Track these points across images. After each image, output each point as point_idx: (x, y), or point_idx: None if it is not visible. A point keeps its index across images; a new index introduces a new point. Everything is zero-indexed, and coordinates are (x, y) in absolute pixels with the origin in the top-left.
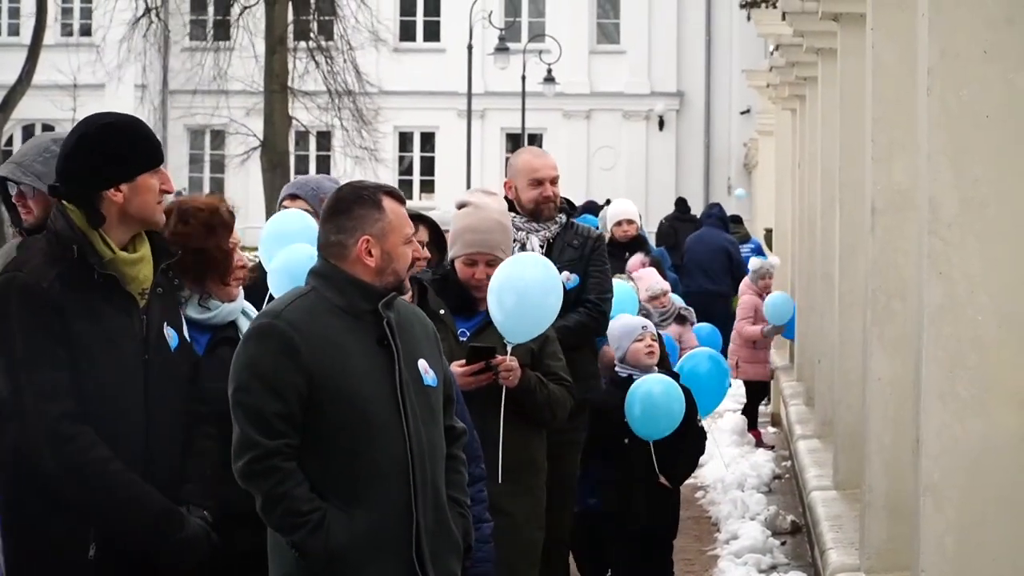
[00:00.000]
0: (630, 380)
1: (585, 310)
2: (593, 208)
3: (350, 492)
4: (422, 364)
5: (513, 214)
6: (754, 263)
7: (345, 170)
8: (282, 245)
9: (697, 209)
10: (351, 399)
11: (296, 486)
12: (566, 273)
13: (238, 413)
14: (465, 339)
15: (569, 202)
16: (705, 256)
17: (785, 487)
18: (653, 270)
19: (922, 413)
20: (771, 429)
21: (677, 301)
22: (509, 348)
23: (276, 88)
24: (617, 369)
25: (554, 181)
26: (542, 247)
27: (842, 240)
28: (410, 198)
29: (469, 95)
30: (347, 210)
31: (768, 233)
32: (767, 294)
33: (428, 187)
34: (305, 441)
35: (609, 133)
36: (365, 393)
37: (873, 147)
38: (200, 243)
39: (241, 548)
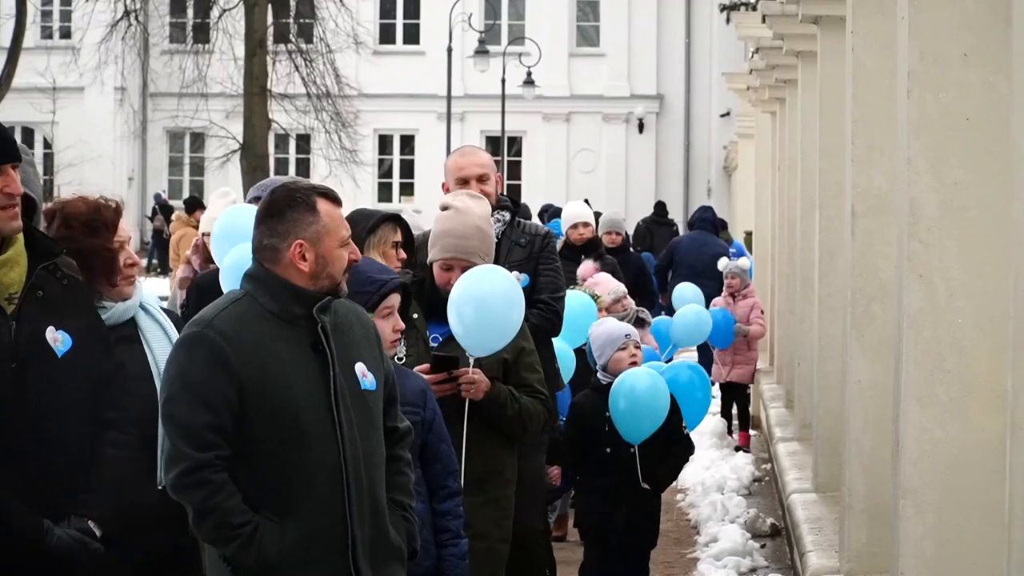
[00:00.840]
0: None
1: (538, 311)
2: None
3: (283, 502)
4: (359, 368)
5: None
6: (720, 264)
7: (330, 172)
8: (232, 243)
9: (675, 212)
10: (283, 408)
11: (227, 498)
12: (515, 273)
13: (168, 425)
14: (436, 345)
15: (514, 200)
16: (697, 259)
17: (765, 490)
18: (607, 275)
19: (901, 416)
20: (752, 432)
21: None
22: (472, 360)
23: (255, 91)
24: (599, 376)
25: (482, 179)
26: None
27: (822, 243)
28: (390, 201)
29: (449, 98)
30: (280, 213)
31: (748, 236)
32: (737, 295)
33: (408, 190)
34: (237, 451)
35: (589, 136)
36: (298, 401)
37: (853, 150)
38: (83, 245)
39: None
